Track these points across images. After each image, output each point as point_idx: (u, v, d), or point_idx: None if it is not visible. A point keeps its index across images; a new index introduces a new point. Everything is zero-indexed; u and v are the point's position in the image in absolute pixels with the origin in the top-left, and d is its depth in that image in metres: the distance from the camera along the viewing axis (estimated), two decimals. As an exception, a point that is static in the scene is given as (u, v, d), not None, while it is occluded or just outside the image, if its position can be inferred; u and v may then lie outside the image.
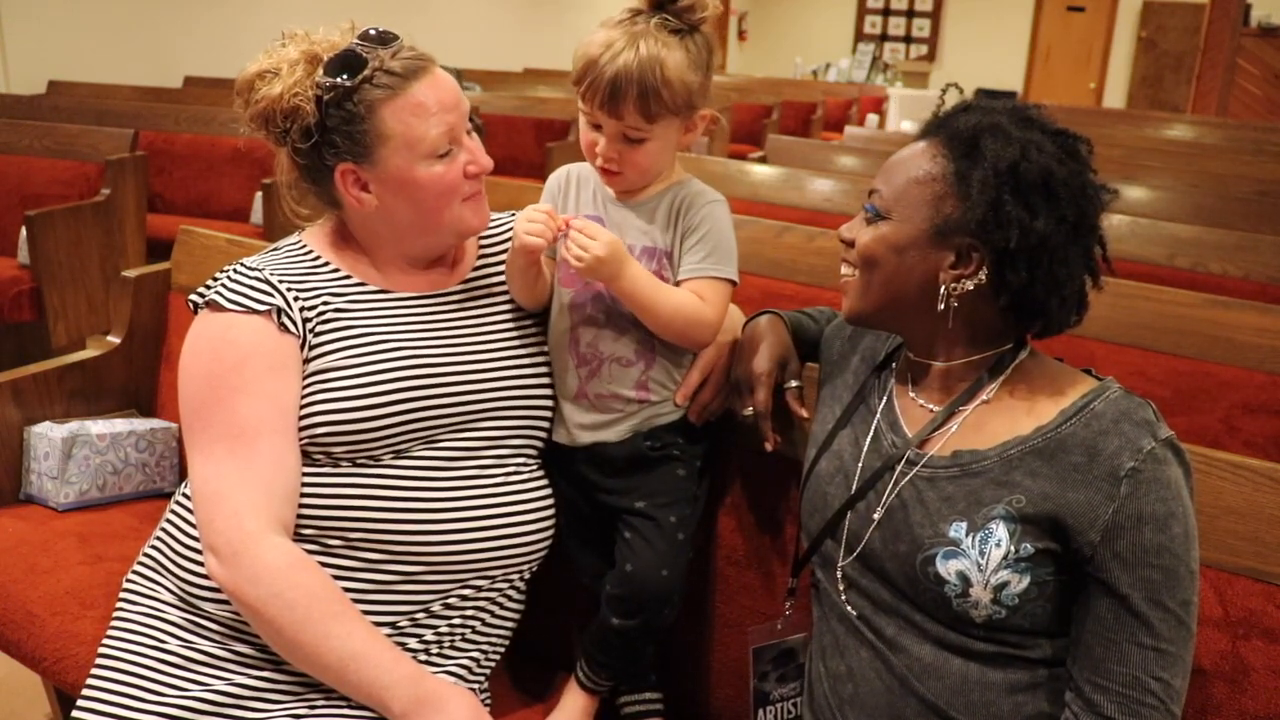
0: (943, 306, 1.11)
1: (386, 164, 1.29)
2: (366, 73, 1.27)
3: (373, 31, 1.31)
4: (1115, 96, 12.17)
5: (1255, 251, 2.71)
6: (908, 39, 13.12)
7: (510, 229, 1.51)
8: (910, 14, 13.08)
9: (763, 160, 4.06)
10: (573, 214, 1.34)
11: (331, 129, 1.28)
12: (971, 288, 1.10)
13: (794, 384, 1.35)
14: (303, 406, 1.29)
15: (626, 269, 1.27)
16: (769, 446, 1.30)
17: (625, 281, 1.27)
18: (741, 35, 13.94)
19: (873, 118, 8.88)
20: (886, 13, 13.18)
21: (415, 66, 1.29)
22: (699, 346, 1.37)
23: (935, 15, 12.93)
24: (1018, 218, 1.05)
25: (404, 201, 1.32)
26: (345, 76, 1.26)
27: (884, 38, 13.12)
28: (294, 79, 1.26)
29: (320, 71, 1.27)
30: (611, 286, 1.28)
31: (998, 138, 1.08)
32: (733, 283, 1.35)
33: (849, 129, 5.44)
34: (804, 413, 1.33)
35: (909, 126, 6.02)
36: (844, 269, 1.20)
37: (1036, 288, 1.08)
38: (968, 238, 1.09)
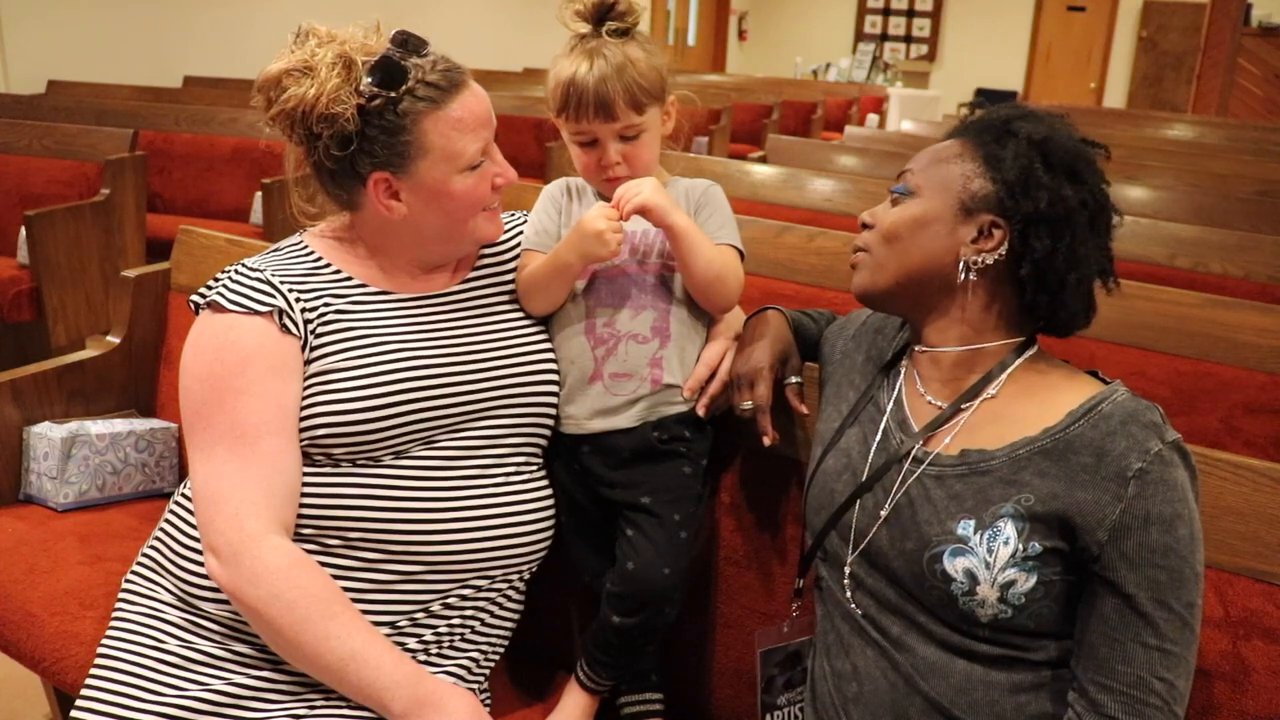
0: (962, 278, 1.13)
1: (423, 175, 1.29)
2: (409, 84, 1.26)
3: (404, 37, 1.30)
4: (1115, 96, 12.18)
5: (1256, 251, 2.71)
6: (908, 39, 13.12)
7: (515, 229, 1.52)
8: (910, 14, 13.09)
9: (763, 160, 4.05)
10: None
11: (371, 138, 1.27)
12: (991, 262, 1.12)
13: (794, 380, 1.35)
14: (303, 408, 1.29)
15: (675, 204, 1.35)
16: (767, 441, 1.30)
17: (679, 214, 1.33)
18: (741, 35, 13.94)
19: (873, 118, 8.89)
20: (886, 12, 13.18)
21: (455, 80, 1.30)
22: (723, 307, 1.41)
23: (935, 15, 12.94)
24: (1048, 184, 1.09)
25: (434, 211, 1.33)
26: (388, 87, 1.25)
27: (884, 37, 13.12)
28: (331, 84, 1.24)
29: (364, 79, 1.26)
30: (665, 221, 1.33)
31: (1029, 120, 1.14)
32: (743, 255, 1.42)
33: (849, 129, 5.42)
34: (804, 409, 1.33)
35: (909, 126, 6.01)
36: (857, 252, 1.21)
37: (1058, 260, 1.10)
38: (991, 214, 1.12)
